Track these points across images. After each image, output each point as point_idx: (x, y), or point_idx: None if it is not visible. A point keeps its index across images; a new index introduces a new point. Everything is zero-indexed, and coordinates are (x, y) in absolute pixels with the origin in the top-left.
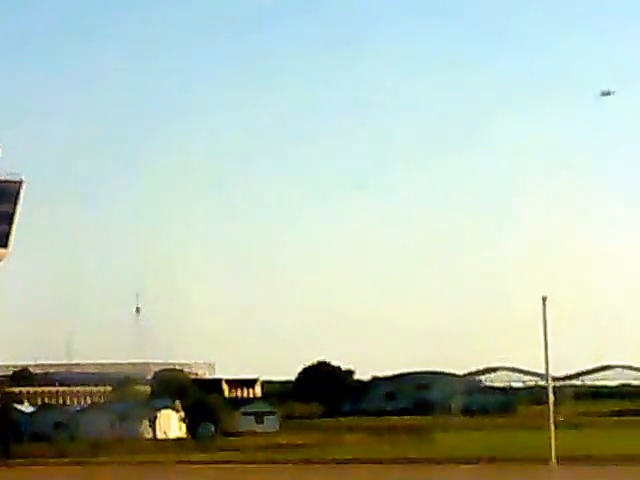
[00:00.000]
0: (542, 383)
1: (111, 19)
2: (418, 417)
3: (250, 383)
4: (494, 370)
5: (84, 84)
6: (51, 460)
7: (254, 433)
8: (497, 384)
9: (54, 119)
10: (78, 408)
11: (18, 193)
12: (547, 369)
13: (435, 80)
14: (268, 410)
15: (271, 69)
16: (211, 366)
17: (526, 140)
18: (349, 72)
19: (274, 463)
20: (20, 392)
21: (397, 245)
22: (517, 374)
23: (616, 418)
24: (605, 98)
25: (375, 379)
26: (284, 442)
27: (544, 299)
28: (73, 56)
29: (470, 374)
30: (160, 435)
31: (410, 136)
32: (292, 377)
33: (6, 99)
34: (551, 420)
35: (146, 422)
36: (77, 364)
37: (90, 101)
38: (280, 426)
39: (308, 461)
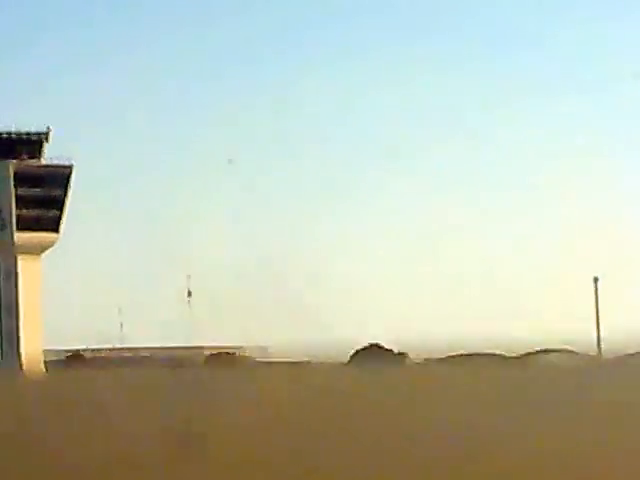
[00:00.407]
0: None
1: None
2: None
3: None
4: (546, 352)
5: (135, 66)
6: None
7: None
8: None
9: (105, 102)
10: None
11: (69, 178)
12: (599, 347)
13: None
14: None
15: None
16: (264, 349)
17: (573, 119)
18: None
19: None
20: None
21: (449, 225)
22: (569, 356)
23: None
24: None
25: (427, 361)
26: None
27: (595, 280)
28: (128, 38)
29: (522, 356)
30: None
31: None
32: (345, 360)
33: (56, 83)
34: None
35: None
36: (129, 348)
37: (141, 84)
38: None
39: None
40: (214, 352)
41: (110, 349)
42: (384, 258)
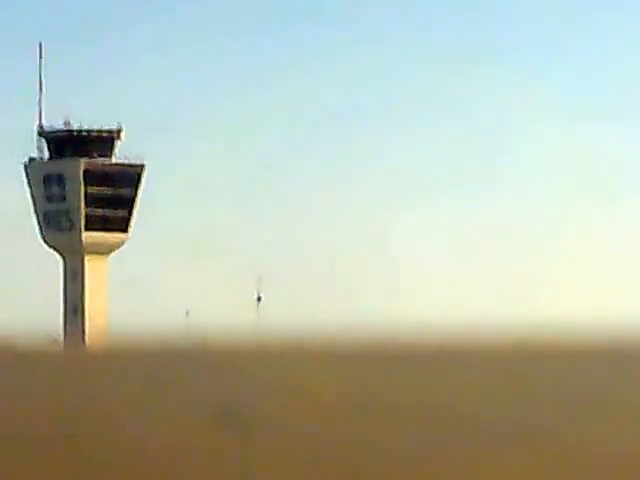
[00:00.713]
0: None
1: None
2: None
3: None
4: None
5: (207, 66)
6: None
7: None
8: None
9: (178, 103)
10: None
11: (140, 177)
12: None
13: None
14: None
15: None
16: None
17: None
18: None
19: None
20: None
21: (512, 232)
22: None
23: None
24: None
25: None
26: None
27: None
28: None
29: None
30: None
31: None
32: None
33: (130, 82)
34: None
35: None
36: None
37: (216, 83)
38: None
39: None
40: None
41: None
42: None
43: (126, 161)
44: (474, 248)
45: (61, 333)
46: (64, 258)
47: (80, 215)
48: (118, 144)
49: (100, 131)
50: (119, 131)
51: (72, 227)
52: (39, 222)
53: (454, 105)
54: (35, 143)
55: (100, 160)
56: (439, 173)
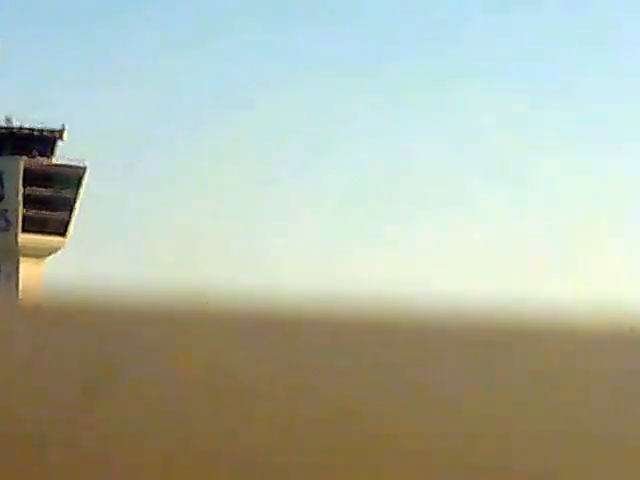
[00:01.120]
0: None
1: None
2: None
3: None
4: None
5: (152, 67)
6: None
7: None
8: None
9: (121, 103)
10: None
11: (81, 180)
12: None
13: None
14: None
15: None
16: None
17: None
18: None
19: None
20: None
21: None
22: None
23: None
24: None
25: None
26: None
27: None
28: (141, 40)
29: None
30: None
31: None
32: None
33: (74, 82)
34: None
35: None
36: None
37: (157, 86)
38: None
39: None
40: None
41: None
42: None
43: (67, 162)
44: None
45: None
46: None
47: (17, 216)
48: (60, 144)
49: (42, 130)
50: (61, 131)
51: (8, 228)
52: None
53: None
54: None
55: (41, 160)
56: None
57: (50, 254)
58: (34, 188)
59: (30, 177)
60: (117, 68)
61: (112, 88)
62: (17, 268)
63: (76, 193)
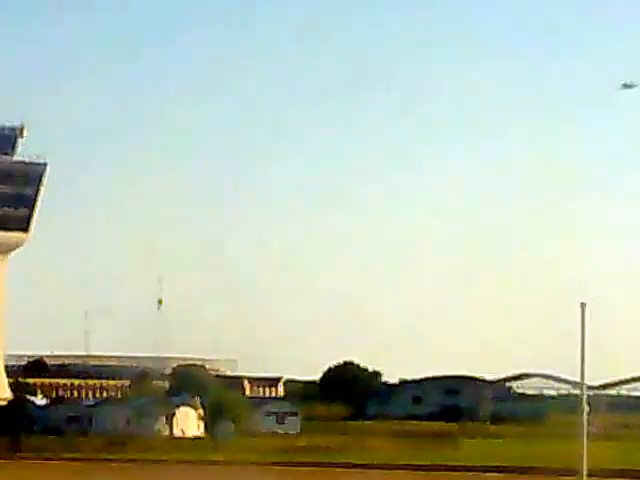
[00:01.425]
0: (576, 392)
1: None
2: (445, 423)
3: (273, 382)
4: (527, 376)
5: (108, 65)
6: (62, 456)
7: (275, 434)
8: (529, 391)
9: (79, 101)
10: (93, 402)
11: (41, 176)
12: (582, 377)
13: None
14: (290, 410)
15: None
16: (233, 363)
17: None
18: None
19: (293, 465)
20: (34, 384)
21: (428, 249)
22: (550, 381)
23: None
24: (627, 91)
25: (403, 382)
26: (305, 444)
27: (583, 305)
28: (96, 37)
29: (501, 380)
30: (177, 433)
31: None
32: (317, 377)
33: (32, 80)
34: (584, 430)
35: (163, 419)
36: (94, 356)
37: (113, 83)
38: (302, 428)
39: (328, 464)
40: (182, 364)
41: (74, 356)
42: (366, 275)
43: (28, 159)
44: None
45: None
46: None
47: None
48: (20, 142)
49: (2, 128)
50: (21, 129)
51: None
52: None
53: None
54: None
55: (1, 157)
56: None
57: (12, 250)
58: None
59: None
60: (75, 68)
61: (71, 87)
62: None
63: (37, 190)
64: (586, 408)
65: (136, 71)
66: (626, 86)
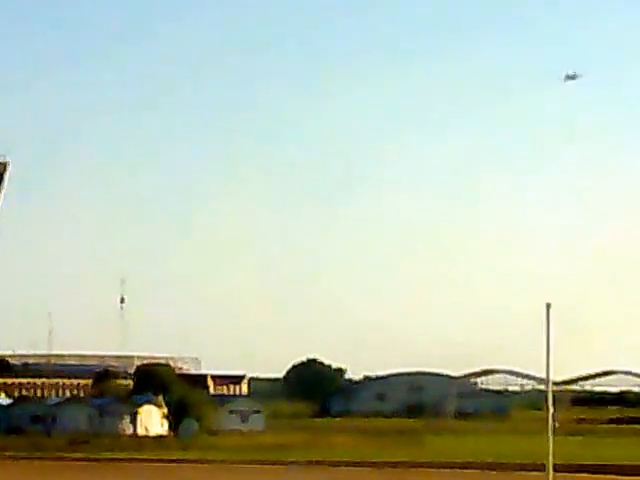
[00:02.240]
0: (539, 387)
1: None
2: (410, 419)
3: (237, 380)
4: (491, 372)
5: (73, 62)
6: (26, 455)
7: (239, 432)
8: (493, 387)
9: (41, 98)
10: (56, 401)
11: (2, 175)
12: (548, 378)
13: None
14: (254, 409)
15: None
16: (197, 361)
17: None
18: None
19: (258, 464)
20: None
21: (393, 246)
22: (514, 377)
23: (616, 426)
24: (570, 82)
25: (367, 379)
26: (269, 442)
27: (548, 306)
28: (61, 35)
29: (465, 376)
30: (141, 432)
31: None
32: (281, 375)
33: None
34: (549, 426)
35: (127, 418)
36: (57, 355)
37: (77, 80)
38: (266, 425)
39: (294, 462)
40: (145, 362)
41: (37, 355)
42: (329, 272)
43: None
44: None
45: None
46: None
47: None
48: None
49: None
50: None
51: None
52: None
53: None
54: None
55: None
56: None
57: None
58: None
59: None
60: (38, 65)
61: (32, 85)
62: None
63: None
64: (551, 409)
65: (102, 69)
66: (569, 77)
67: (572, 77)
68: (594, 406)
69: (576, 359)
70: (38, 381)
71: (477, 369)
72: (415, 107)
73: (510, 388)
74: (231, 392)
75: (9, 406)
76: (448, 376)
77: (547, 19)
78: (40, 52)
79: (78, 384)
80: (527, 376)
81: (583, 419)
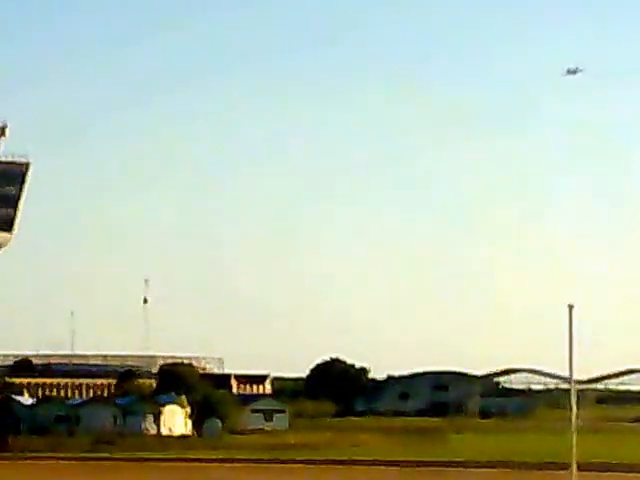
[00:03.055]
0: (563, 386)
1: None
2: (433, 418)
3: (260, 379)
4: (514, 372)
5: (95, 63)
6: (49, 455)
7: (262, 431)
8: (517, 386)
9: (62, 99)
10: (80, 401)
11: (25, 175)
12: (571, 378)
13: None
14: (278, 408)
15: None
16: (220, 361)
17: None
18: None
19: (282, 463)
20: (20, 383)
21: (419, 246)
22: (537, 376)
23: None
24: (571, 76)
25: (390, 378)
26: (293, 441)
27: (570, 307)
28: (83, 40)
29: (489, 375)
30: (164, 431)
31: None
32: (304, 374)
33: (16, 80)
34: (573, 424)
35: (150, 417)
36: (80, 355)
37: (97, 80)
38: (290, 425)
39: (317, 461)
40: (168, 362)
41: (60, 355)
42: (354, 272)
43: (10, 159)
44: None
45: None
46: None
47: None
48: (3, 141)
49: None
50: (3, 128)
51: None
52: None
53: None
54: None
55: None
56: None
57: None
58: None
59: None
60: (58, 66)
61: (54, 86)
62: None
63: (20, 189)
64: (574, 408)
65: (122, 68)
66: (570, 72)
67: (573, 72)
68: (618, 404)
69: (600, 358)
70: (61, 381)
71: (500, 368)
72: (416, 107)
73: (534, 387)
74: (254, 392)
75: (33, 406)
76: (471, 375)
77: None
78: (55, 50)
79: (101, 384)
80: (551, 375)
81: (607, 418)
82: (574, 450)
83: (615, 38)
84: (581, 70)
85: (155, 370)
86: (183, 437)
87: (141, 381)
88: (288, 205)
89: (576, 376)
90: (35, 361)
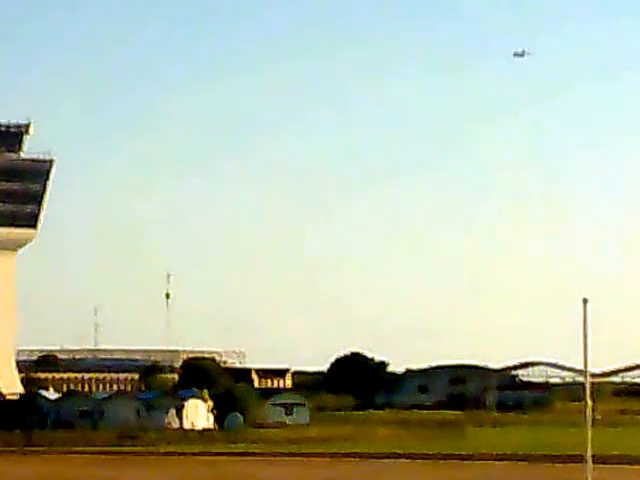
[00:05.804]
0: (580, 379)
1: None
2: (451, 411)
3: (281, 373)
4: (531, 365)
5: (119, 61)
6: (74, 449)
7: (284, 425)
8: (534, 379)
9: (86, 97)
10: (104, 396)
11: (49, 172)
12: (586, 373)
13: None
14: (298, 401)
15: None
16: (241, 355)
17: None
18: None
19: (302, 456)
20: (45, 378)
21: (437, 241)
22: (555, 369)
23: None
24: (518, 59)
25: (409, 372)
26: (314, 435)
27: (585, 301)
28: (110, 37)
29: (506, 369)
30: (187, 425)
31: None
32: (324, 368)
33: (39, 78)
34: (588, 417)
35: (173, 411)
36: (104, 350)
37: (122, 79)
38: (310, 418)
39: (338, 455)
40: (191, 356)
41: (84, 350)
42: (372, 266)
43: (35, 156)
44: None
45: None
46: None
47: None
48: (27, 139)
49: (8, 126)
50: (27, 126)
51: None
52: None
53: None
54: None
55: (8, 155)
56: None
57: (21, 246)
58: (3, 182)
59: None
60: (82, 64)
61: (78, 84)
62: None
63: (44, 186)
64: (589, 402)
65: (144, 67)
66: (517, 55)
67: (521, 54)
68: (635, 397)
69: (617, 351)
70: (85, 376)
71: (518, 361)
72: (417, 109)
73: (551, 380)
74: (275, 385)
75: (57, 401)
76: (489, 368)
77: None
78: (79, 48)
79: (125, 378)
80: (568, 368)
81: (624, 410)
82: (589, 443)
83: None
84: (528, 53)
85: (178, 364)
86: (205, 431)
87: (164, 375)
88: (306, 197)
89: (593, 369)
90: (60, 356)
